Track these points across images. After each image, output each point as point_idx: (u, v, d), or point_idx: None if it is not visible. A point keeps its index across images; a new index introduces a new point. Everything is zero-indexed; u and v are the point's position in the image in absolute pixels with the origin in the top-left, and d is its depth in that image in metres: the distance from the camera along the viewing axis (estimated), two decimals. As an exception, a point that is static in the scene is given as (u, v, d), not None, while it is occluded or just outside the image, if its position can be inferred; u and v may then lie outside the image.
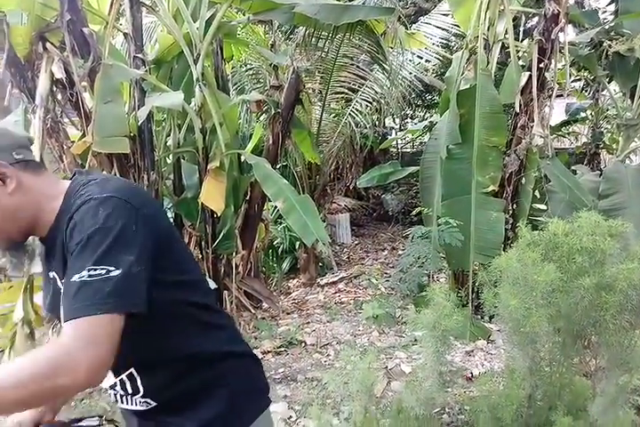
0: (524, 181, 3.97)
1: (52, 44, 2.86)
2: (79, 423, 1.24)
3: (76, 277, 0.87)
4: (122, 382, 1.08)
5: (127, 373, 1.06)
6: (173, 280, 1.06)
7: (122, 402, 1.15)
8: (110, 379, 1.08)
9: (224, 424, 1.13)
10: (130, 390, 1.08)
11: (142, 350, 1.04)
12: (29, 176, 1.01)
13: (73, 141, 2.99)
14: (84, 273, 0.86)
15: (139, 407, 1.12)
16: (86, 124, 2.87)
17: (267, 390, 1.27)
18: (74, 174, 1.11)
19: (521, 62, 4.11)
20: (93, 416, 1.26)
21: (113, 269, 0.87)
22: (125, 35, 3.26)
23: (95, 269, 0.86)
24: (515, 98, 3.85)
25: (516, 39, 4.05)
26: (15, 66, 2.87)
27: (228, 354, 1.16)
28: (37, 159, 2.73)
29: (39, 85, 2.81)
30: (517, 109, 3.86)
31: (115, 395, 1.15)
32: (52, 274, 1.04)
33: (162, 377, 1.08)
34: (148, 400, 1.10)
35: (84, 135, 2.89)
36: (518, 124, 3.92)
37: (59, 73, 2.77)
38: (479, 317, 3.93)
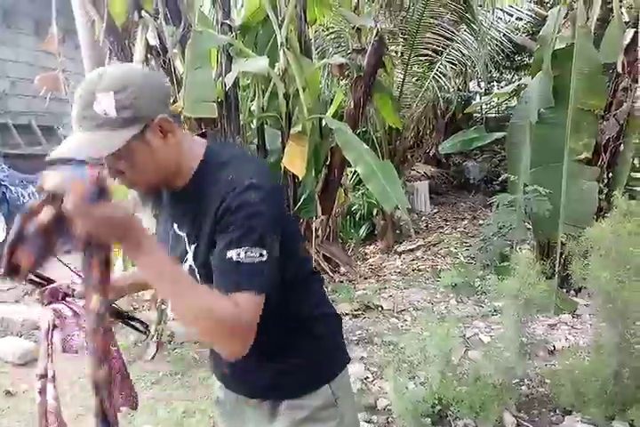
0: (622, 147, 3.70)
1: (146, 12, 2.97)
2: (130, 320, 1.37)
3: (232, 254, 0.94)
4: None
5: None
6: (291, 251, 1.13)
7: None
8: None
9: (307, 376, 1.19)
10: None
11: None
12: (177, 130, 1.04)
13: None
14: (242, 253, 0.94)
15: None
16: (177, 89, 2.99)
17: (345, 349, 1.33)
18: (201, 134, 1.17)
19: (624, 18, 3.76)
20: (143, 322, 1.39)
21: (265, 253, 0.95)
22: (213, 1, 3.33)
23: (252, 251, 0.94)
24: (617, 57, 3.55)
25: (621, -8, 3.69)
26: (113, 34, 3.01)
27: (318, 315, 1.23)
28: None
29: (135, 53, 2.94)
30: (619, 70, 3.57)
31: None
32: (177, 229, 1.11)
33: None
34: None
35: (175, 101, 3.01)
36: (620, 86, 3.63)
37: (153, 40, 2.88)
38: (565, 290, 3.79)
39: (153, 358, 3.30)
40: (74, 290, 1.25)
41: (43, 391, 1.17)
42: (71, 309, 1.21)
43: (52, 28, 3.35)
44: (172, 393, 2.96)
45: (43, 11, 5.64)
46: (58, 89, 3.42)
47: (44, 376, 1.17)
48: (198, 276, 1.07)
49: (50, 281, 1.25)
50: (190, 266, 1.08)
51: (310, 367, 1.19)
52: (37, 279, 1.23)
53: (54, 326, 1.18)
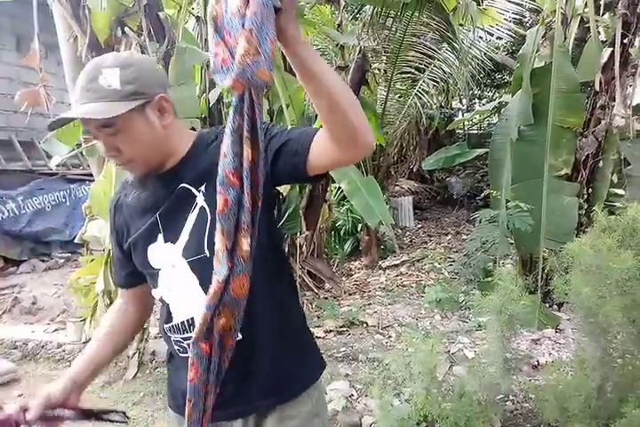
0: (601, 164, 3.77)
1: (130, 28, 2.97)
2: (104, 415, 1.20)
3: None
4: None
5: None
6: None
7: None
8: None
9: (301, 370, 1.18)
10: None
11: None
12: (174, 115, 1.11)
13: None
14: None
15: None
16: (161, 106, 2.98)
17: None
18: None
19: (601, 38, 3.87)
20: (117, 411, 1.22)
21: None
22: (198, 18, 3.34)
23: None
24: (594, 76, 3.64)
25: (597, 13, 3.79)
26: (96, 50, 3.00)
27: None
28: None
29: (118, 69, 2.93)
30: (597, 88, 3.65)
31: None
32: (179, 191, 1.10)
33: (258, 309, 1.09)
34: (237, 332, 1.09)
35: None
36: (598, 104, 3.70)
37: (136, 57, 2.88)
38: (547, 305, 3.82)
39: (134, 377, 3.24)
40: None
41: None
42: None
43: (33, 43, 3.34)
44: (153, 414, 2.90)
45: (24, 26, 5.63)
46: (39, 104, 3.39)
47: None
48: (209, 214, 1.07)
49: None
50: (202, 207, 1.08)
51: (305, 358, 1.20)
52: None
53: None
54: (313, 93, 0.91)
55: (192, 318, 1.12)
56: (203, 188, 1.08)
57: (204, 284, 1.05)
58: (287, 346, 1.16)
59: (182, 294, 1.13)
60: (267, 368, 1.13)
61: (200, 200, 1.08)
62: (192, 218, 1.08)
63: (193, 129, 1.22)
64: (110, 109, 0.98)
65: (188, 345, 1.12)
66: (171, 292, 1.15)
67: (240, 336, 1.08)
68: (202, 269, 1.07)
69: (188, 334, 1.12)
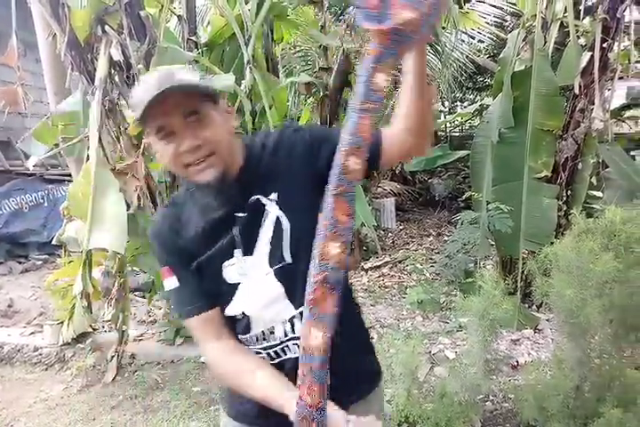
0: (580, 166, 3.82)
1: (110, 26, 2.92)
2: None
3: None
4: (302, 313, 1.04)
5: None
6: None
7: (285, 353, 1.11)
8: (291, 311, 1.08)
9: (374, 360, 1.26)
10: None
11: None
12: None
13: (129, 123, 3.08)
14: None
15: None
16: (141, 105, 2.94)
17: None
18: None
19: (581, 42, 3.92)
20: None
21: None
22: (179, 17, 3.32)
23: None
24: (574, 80, 3.69)
25: (577, 18, 3.85)
26: (75, 49, 2.95)
27: None
28: (96, 140, 2.79)
29: (98, 68, 2.89)
30: (577, 92, 3.70)
31: (280, 344, 1.11)
32: (260, 200, 1.08)
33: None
34: None
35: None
36: (577, 108, 3.75)
37: (117, 55, 2.84)
38: (527, 305, 3.86)
39: (113, 380, 3.19)
40: None
41: None
42: None
43: (11, 41, 3.28)
44: (132, 418, 2.86)
45: (3, 24, 5.51)
46: (17, 103, 3.33)
47: None
48: (287, 221, 1.06)
49: None
50: (276, 215, 1.06)
51: (372, 358, 1.26)
52: None
53: None
54: (417, 91, 1.01)
55: (272, 327, 1.10)
56: (274, 196, 1.06)
57: (290, 292, 1.07)
58: (357, 345, 1.19)
59: (265, 304, 1.08)
60: (339, 369, 0.93)
61: (273, 209, 1.06)
62: (268, 227, 1.06)
63: None
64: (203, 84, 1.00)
65: (268, 354, 1.12)
66: (252, 304, 1.10)
67: None
68: (287, 277, 1.06)
69: (268, 344, 1.11)
